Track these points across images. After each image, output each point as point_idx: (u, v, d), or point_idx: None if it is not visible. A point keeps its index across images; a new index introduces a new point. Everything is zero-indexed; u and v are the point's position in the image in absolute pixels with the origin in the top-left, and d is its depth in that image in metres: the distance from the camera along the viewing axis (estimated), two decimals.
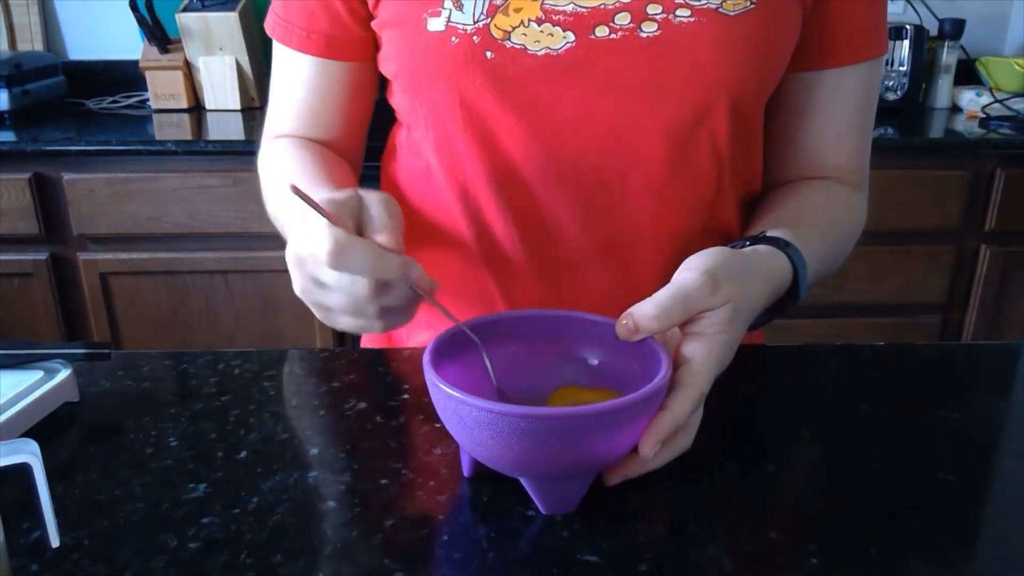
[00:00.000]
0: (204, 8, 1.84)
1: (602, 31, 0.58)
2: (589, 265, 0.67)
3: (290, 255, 0.51)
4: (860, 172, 0.71)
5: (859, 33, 0.65)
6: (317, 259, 0.47)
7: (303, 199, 0.46)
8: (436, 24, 0.59)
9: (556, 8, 0.58)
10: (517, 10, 0.58)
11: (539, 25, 0.58)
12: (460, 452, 0.51)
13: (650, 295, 0.49)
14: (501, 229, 0.66)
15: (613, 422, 0.43)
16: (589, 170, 0.63)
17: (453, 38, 0.59)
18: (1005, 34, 2.10)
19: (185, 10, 1.84)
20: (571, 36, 0.58)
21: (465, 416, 0.43)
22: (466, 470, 0.50)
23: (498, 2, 0.58)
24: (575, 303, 0.60)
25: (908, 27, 1.83)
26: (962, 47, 1.93)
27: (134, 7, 1.78)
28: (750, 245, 0.58)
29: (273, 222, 0.70)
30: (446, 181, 0.66)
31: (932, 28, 1.92)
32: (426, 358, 0.47)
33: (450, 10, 0.58)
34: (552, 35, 0.58)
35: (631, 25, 0.58)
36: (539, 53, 0.58)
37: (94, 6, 2.04)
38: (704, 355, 0.48)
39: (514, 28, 0.58)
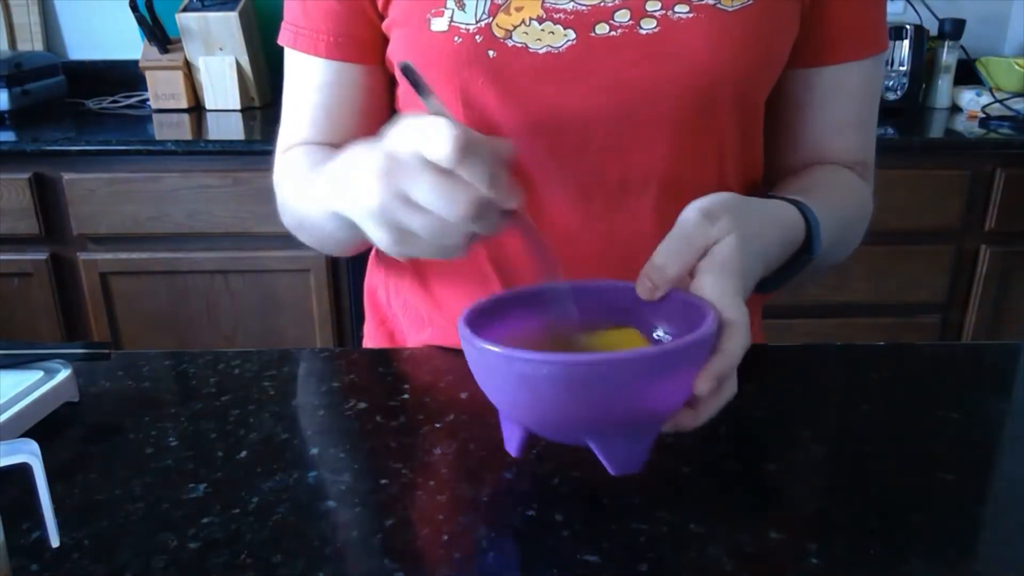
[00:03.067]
0: (204, 8, 1.83)
1: (602, 28, 0.59)
2: (592, 259, 0.67)
3: (376, 163, 0.44)
4: (864, 165, 0.72)
5: (858, 30, 0.66)
6: (427, 158, 0.42)
7: (415, 78, 0.44)
8: (439, 24, 0.60)
9: (557, 7, 0.59)
10: (518, 9, 0.59)
11: (540, 24, 0.59)
12: (506, 430, 0.50)
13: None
14: (506, 240, 0.66)
15: (683, 360, 0.43)
16: (591, 165, 0.63)
17: (456, 38, 0.59)
18: (1005, 34, 2.10)
19: (185, 10, 1.84)
20: (572, 34, 0.59)
21: (539, 375, 0.42)
22: (515, 449, 0.49)
23: (499, 1, 0.59)
24: None
25: (908, 27, 1.83)
26: (962, 47, 1.93)
27: (134, 7, 1.78)
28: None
29: (296, 228, 0.69)
30: None
31: (932, 28, 1.91)
32: (465, 331, 0.45)
33: (452, 10, 0.59)
34: (553, 33, 0.59)
35: (631, 22, 0.59)
36: (540, 51, 0.59)
37: (94, 6, 2.04)
38: (720, 290, 0.46)
39: (516, 27, 0.59)
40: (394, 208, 0.44)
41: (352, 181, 0.47)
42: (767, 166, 0.73)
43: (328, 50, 0.67)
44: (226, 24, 1.83)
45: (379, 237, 0.46)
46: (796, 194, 0.60)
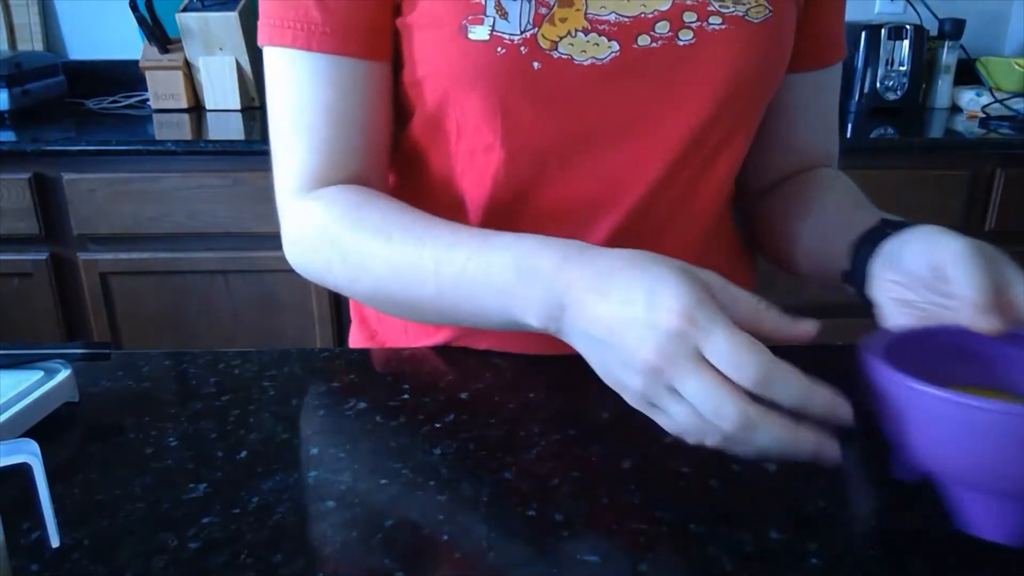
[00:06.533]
0: (204, 8, 1.83)
1: (644, 40, 0.59)
2: None
3: (651, 350, 0.42)
4: (835, 159, 0.77)
5: (838, 36, 0.72)
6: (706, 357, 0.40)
7: None
8: (479, 33, 0.57)
9: (600, 18, 0.58)
10: (563, 20, 0.57)
11: (586, 35, 0.58)
12: (974, 504, 0.44)
13: None
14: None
15: None
16: (618, 169, 0.63)
17: (499, 48, 0.57)
18: (1005, 34, 2.10)
19: (185, 10, 1.84)
20: (615, 46, 0.58)
21: (979, 422, 0.38)
22: (1008, 535, 0.43)
23: (543, 11, 0.57)
24: None
25: (908, 27, 1.83)
26: (962, 47, 1.93)
27: (134, 7, 1.78)
28: (890, 232, 0.56)
29: (371, 300, 0.62)
30: (468, 187, 0.65)
31: (932, 28, 1.91)
32: (911, 382, 0.41)
33: (493, 18, 0.56)
34: (598, 45, 0.58)
35: (670, 33, 0.59)
36: (585, 63, 0.58)
37: (94, 6, 2.04)
38: None
39: (561, 38, 0.57)
40: (657, 394, 0.43)
41: (612, 353, 0.44)
42: (760, 167, 0.76)
43: (337, 45, 0.59)
44: (226, 24, 1.83)
45: (632, 403, 0.45)
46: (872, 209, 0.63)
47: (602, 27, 0.58)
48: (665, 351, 0.41)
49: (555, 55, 0.57)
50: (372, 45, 0.60)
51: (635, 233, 0.65)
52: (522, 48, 0.57)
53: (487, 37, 0.57)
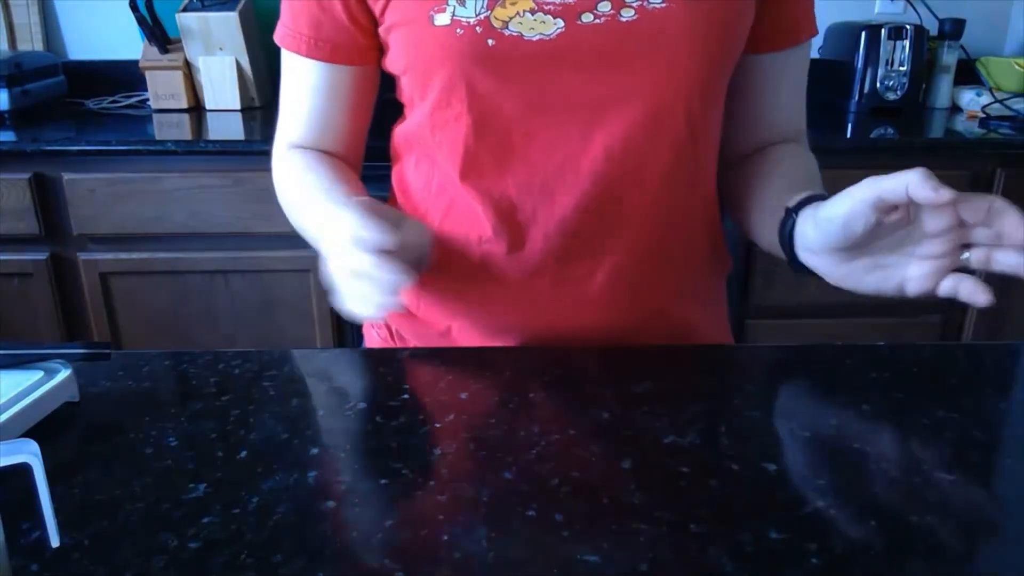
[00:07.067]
0: (204, 8, 1.83)
1: (587, 17, 0.65)
2: (581, 220, 0.71)
3: (331, 245, 0.60)
4: (803, 132, 0.82)
5: (805, 15, 0.75)
6: (345, 242, 0.56)
7: None
8: (442, 19, 0.65)
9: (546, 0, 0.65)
10: (512, 3, 0.65)
11: (532, 14, 0.65)
12: None
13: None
14: (505, 201, 0.71)
15: None
16: (578, 137, 0.68)
17: (458, 30, 0.64)
18: (1005, 34, 2.10)
19: (185, 10, 1.84)
20: (560, 23, 0.65)
21: None
22: None
23: None
24: (575, 251, 0.71)
25: (908, 27, 1.83)
26: (962, 47, 1.93)
27: (134, 7, 1.77)
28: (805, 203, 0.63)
29: (299, 228, 0.77)
30: (450, 161, 0.71)
31: (932, 28, 1.91)
32: None
33: (454, 6, 0.64)
34: (544, 22, 0.65)
35: (611, 12, 0.65)
36: (534, 39, 0.65)
37: (94, 6, 2.04)
38: None
39: (511, 18, 0.65)
40: (341, 270, 0.58)
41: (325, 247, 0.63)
42: (737, 139, 0.79)
43: (310, 50, 0.73)
44: (226, 24, 1.83)
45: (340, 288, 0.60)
46: (813, 188, 0.66)
47: (548, 7, 0.65)
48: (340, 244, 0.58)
49: (506, 32, 0.65)
50: (348, 56, 0.73)
51: (598, 200, 0.70)
52: (477, 28, 0.64)
53: (448, 22, 0.65)
